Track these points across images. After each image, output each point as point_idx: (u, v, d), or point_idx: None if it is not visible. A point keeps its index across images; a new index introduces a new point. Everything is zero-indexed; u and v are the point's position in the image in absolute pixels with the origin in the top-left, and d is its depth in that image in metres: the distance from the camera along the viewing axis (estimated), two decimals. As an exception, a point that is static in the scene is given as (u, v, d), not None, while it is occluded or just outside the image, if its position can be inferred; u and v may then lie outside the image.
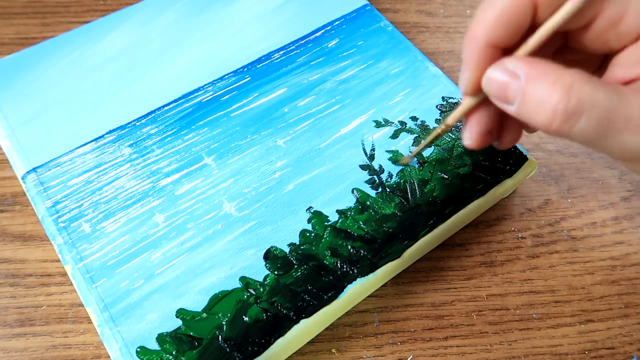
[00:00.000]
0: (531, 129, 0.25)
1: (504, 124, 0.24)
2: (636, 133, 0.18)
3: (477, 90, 0.21)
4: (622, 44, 0.20)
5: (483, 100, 0.22)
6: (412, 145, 0.33)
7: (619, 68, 0.20)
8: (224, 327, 0.26)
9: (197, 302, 0.27)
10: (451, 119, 0.24)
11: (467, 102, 0.23)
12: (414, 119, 0.34)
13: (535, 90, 0.18)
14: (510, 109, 0.19)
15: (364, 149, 0.32)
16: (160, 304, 0.27)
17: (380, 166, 0.32)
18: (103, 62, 0.35)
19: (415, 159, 0.32)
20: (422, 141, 0.27)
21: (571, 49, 0.22)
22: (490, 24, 0.19)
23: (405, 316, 0.31)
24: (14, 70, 0.34)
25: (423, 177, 0.31)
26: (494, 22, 0.19)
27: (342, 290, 0.28)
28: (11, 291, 0.30)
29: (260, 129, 0.33)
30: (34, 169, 0.31)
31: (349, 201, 0.30)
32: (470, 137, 0.23)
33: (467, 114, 0.23)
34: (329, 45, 0.37)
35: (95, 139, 0.32)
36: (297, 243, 0.29)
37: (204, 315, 0.27)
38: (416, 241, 0.30)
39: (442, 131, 0.25)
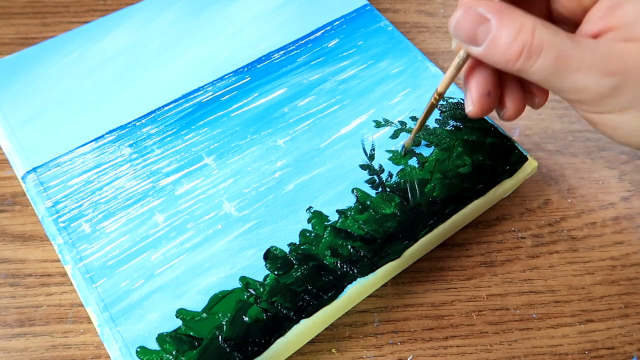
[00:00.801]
0: (536, 104, 0.27)
1: (504, 89, 0.26)
2: (586, 73, 0.20)
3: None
4: (592, 1, 0.22)
5: (468, 60, 0.24)
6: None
7: (587, 24, 0.22)
8: (224, 327, 0.26)
9: (197, 302, 0.27)
10: (441, 86, 0.25)
11: (453, 65, 0.24)
12: (414, 119, 0.34)
13: (503, 33, 0.20)
14: (476, 50, 0.21)
15: (364, 149, 0.32)
16: (160, 304, 0.27)
17: (380, 166, 0.32)
18: (103, 62, 0.35)
19: (416, 158, 0.32)
20: (419, 118, 0.29)
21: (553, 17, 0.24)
22: None
23: (405, 316, 0.31)
24: (14, 70, 0.34)
25: (423, 177, 0.31)
26: None
27: (342, 290, 0.28)
28: (11, 291, 0.30)
29: (260, 129, 0.33)
30: (34, 169, 0.31)
31: (349, 201, 0.30)
32: (471, 102, 0.25)
33: (466, 75, 0.25)
34: (329, 45, 0.37)
35: (95, 139, 0.32)
36: (297, 243, 0.29)
37: (204, 315, 0.27)
38: (416, 241, 0.30)
39: (435, 101, 0.26)
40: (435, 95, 0.26)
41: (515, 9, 0.20)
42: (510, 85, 0.26)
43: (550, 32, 0.20)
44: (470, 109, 0.25)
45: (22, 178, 0.30)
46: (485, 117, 0.34)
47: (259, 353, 0.26)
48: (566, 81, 0.20)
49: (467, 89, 0.25)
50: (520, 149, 0.33)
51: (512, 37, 0.20)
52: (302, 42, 0.37)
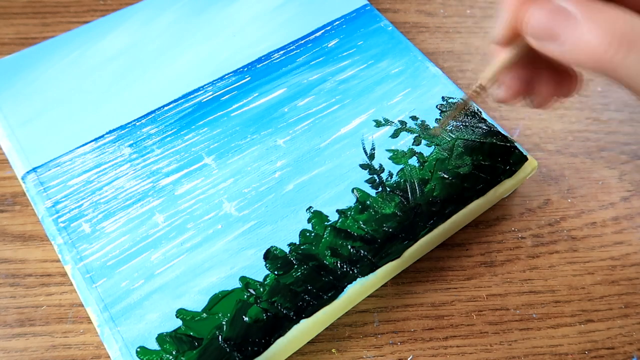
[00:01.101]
0: (571, 92, 0.25)
1: (538, 75, 0.24)
2: None
3: (512, 38, 0.21)
4: None
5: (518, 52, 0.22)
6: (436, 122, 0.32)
7: None
8: (224, 327, 0.26)
9: (197, 302, 0.27)
10: (486, 80, 0.23)
11: (503, 58, 0.22)
12: (414, 118, 0.34)
13: (590, 26, 0.18)
14: (554, 47, 0.19)
15: (364, 148, 0.32)
16: (160, 304, 0.27)
17: (381, 165, 0.32)
18: (103, 62, 0.35)
19: (416, 158, 0.32)
20: (454, 107, 0.26)
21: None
22: None
23: (405, 316, 0.31)
24: (14, 70, 0.34)
25: (423, 177, 0.31)
26: None
27: (342, 290, 0.28)
28: (11, 291, 0.30)
29: (260, 129, 0.33)
30: (34, 169, 0.31)
31: (349, 201, 0.30)
32: (503, 87, 0.22)
33: (502, 70, 0.22)
34: (329, 45, 0.37)
35: (95, 139, 0.32)
36: (297, 243, 0.29)
37: (204, 315, 0.27)
38: (416, 241, 0.30)
39: (477, 94, 0.24)
40: (477, 88, 0.23)
41: (600, 2, 0.19)
42: (544, 70, 0.24)
43: None
44: (502, 95, 0.23)
45: (22, 178, 0.30)
46: (485, 117, 0.34)
47: (259, 353, 0.26)
48: None
49: (503, 20, 0.22)
50: (520, 149, 0.33)
51: (600, 30, 0.18)
52: (302, 42, 0.37)
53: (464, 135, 0.33)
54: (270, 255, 0.29)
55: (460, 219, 0.31)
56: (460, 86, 0.37)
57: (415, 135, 0.33)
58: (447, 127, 0.32)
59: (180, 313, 0.27)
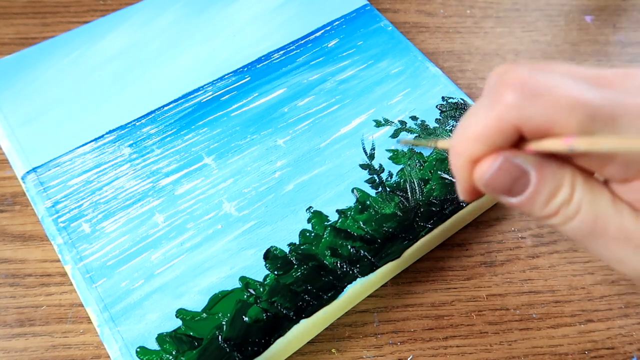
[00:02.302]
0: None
1: None
2: (624, 246, 0.18)
3: (475, 196, 0.20)
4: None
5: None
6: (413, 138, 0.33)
7: (629, 192, 0.19)
8: (224, 327, 0.26)
9: (197, 302, 0.27)
10: (442, 146, 0.23)
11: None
12: (414, 118, 0.34)
13: (543, 189, 0.18)
14: (509, 201, 0.19)
15: (364, 149, 0.32)
16: (160, 304, 0.27)
17: (381, 165, 0.32)
18: (103, 62, 0.35)
19: (416, 158, 0.32)
20: (419, 139, 0.29)
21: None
22: (470, 142, 0.18)
23: (405, 316, 0.31)
24: (14, 70, 0.34)
25: (423, 177, 0.31)
26: (474, 140, 0.18)
27: (342, 290, 0.28)
28: (11, 291, 0.30)
29: (260, 129, 0.33)
30: (34, 169, 0.31)
31: (349, 201, 0.30)
32: (462, 191, 0.21)
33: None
34: (329, 45, 0.37)
35: (95, 139, 0.32)
36: (297, 243, 0.29)
37: (204, 315, 0.27)
38: (416, 241, 0.30)
39: (430, 147, 0.25)
40: (433, 143, 0.23)
41: (554, 162, 0.18)
42: None
43: (591, 191, 0.18)
44: (464, 197, 0.22)
45: (22, 178, 0.30)
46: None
47: (258, 353, 0.26)
48: (601, 247, 0.19)
49: (459, 180, 0.21)
50: (520, 149, 0.33)
51: (551, 194, 0.18)
52: (302, 42, 0.37)
53: (464, 135, 0.33)
54: (270, 255, 0.29)
55: (460, 219, 0.31)
56: (460, 86, 0.37)
57: (415, 135, 0.33)
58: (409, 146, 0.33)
59: (180, 313, 0.27)
